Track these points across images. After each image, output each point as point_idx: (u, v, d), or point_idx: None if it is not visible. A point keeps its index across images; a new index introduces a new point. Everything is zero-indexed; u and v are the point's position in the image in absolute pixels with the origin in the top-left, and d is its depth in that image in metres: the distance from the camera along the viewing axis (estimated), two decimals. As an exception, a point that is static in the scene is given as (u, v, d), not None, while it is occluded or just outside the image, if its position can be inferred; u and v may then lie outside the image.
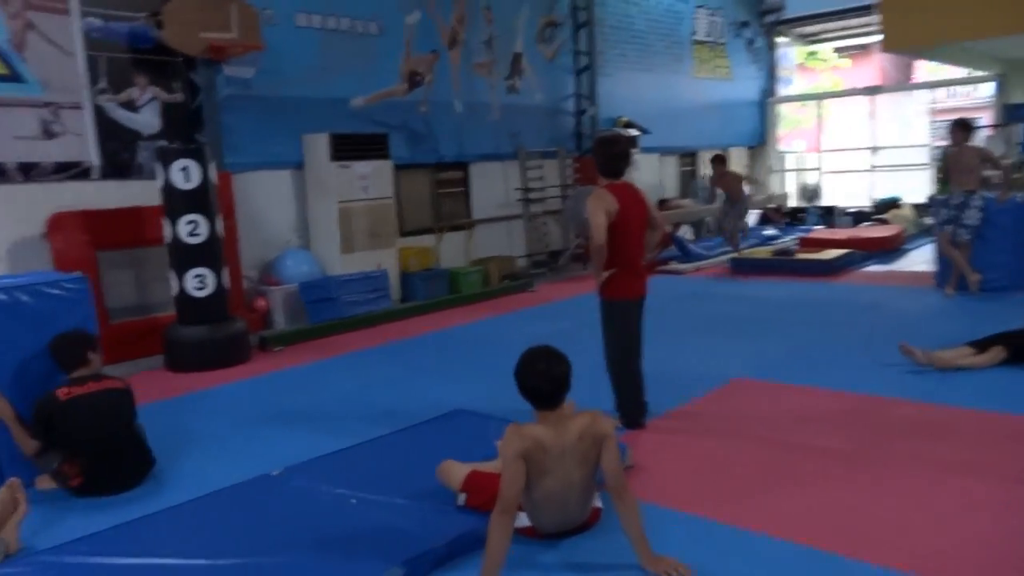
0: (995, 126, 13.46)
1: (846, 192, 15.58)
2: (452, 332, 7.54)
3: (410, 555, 2.92)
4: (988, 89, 14.67)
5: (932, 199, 9.37)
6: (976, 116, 12.50)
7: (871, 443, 4.06)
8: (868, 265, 10.03)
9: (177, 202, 6.33)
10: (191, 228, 6.34)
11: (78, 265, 6.12)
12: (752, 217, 14.85)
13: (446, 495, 3.36)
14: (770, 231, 13.21)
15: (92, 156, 6.86)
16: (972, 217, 7.49)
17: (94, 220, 6.55)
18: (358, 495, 3.48)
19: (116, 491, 3.88)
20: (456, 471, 3.36)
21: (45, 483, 3.93)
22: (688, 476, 3.78)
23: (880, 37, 9.83)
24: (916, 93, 18.50)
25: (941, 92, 18.42)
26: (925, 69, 19.38)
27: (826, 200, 15.43)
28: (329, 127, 8.19)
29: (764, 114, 16.03)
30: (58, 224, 6.49)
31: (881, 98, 16.11)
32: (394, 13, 9.18)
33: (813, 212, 14.53)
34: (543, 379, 2.93)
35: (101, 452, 3.84)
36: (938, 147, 13.84)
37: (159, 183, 6.37)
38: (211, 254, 6.46)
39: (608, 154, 4.33)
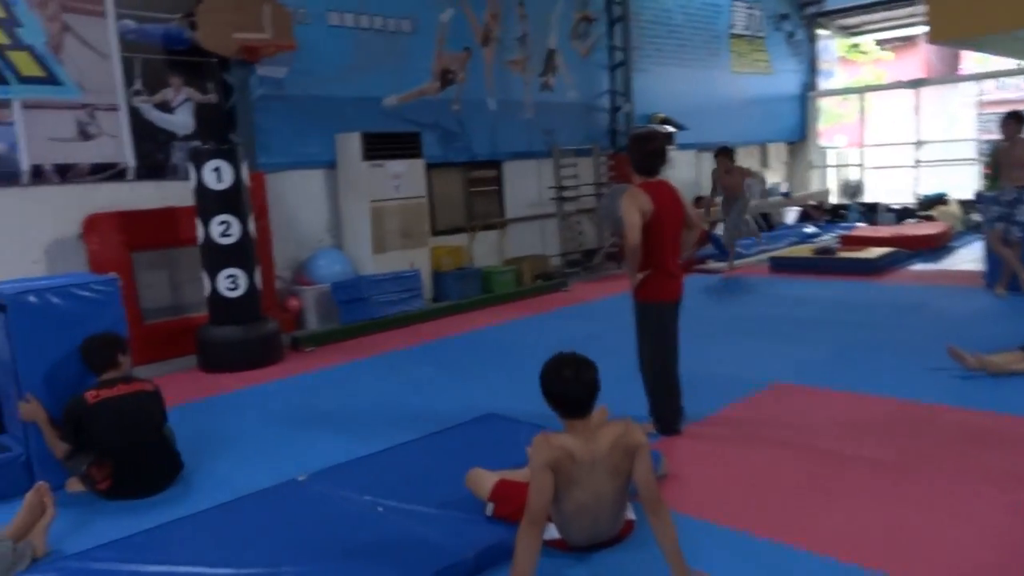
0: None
1: (889, 188, 15.16)
2: (485, 333, 7.45)
3: (437, 567, 2.84)
4: (1039, 80, 14.18)
5: (980, 195, 9.04)
6: (1027, 108, 12.04)
7: (919, 453, 3.88)
8: (913, 264, 9.72)
9: (209, 202, 6.34)
10: (223, 228, 6.34)
11: (113, 266, 6.17)
12: (791, 214, 14.59)
13: (475, 504, 3.28)
14: (810, 228, 12.91)
15: (128, 157, 6.91)
16: (1025, 214, 7.22)
17: (129, 221, 6.59)
18: (385, 503, 3.41)
19: (144, 495, 3.87)
20: (485, 479, 3.27)
21: (75, 486, 3.93)
22: (726, 486, 3.64)
23: (925, 28, 9.50)
24: (962, 85, 17.94)
25: (989, 84, 17.84)
26: (972, 60, 18.80)
27: (869, 197, 15.06)
28: (361, 126, 8.15)
29: (804, 109, 15.68)
30: (94, 225, 6.55)
31: (926, 91, 15.65)
32: (427, 11, 9.12)
33: (855, 209, 14.18)
34: (571, 386, 2.82)
35: (129, 455, 3.83)
36: (987, 141, 13.40)
37: (192, 184, 6.39)
38: (243, 254, 6.46)
39: (643, 151, 4.21)
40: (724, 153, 9.85)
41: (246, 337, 6.45)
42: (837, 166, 16.23)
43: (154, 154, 7.08)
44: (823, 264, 9.57)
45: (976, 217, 12.55)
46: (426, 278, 8.56)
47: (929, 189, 14.08)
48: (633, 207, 4.04)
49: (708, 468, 3.85)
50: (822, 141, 16.33)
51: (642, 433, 2.90)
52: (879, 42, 20.24)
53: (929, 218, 12.36)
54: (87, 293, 4.16)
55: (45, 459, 3.96)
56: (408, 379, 5.91)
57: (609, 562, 2.96)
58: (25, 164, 6.32)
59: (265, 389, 5.90)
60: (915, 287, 8.35)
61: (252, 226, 6.57)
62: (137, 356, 5.94)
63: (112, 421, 3.81)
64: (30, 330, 3.95)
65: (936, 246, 10.51)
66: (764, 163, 15.02)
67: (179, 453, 4.10)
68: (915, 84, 15.49)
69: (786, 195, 14.64)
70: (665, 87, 12.26)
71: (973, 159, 14.09)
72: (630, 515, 3.08)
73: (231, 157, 6.35)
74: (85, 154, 6.65)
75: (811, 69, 15.80)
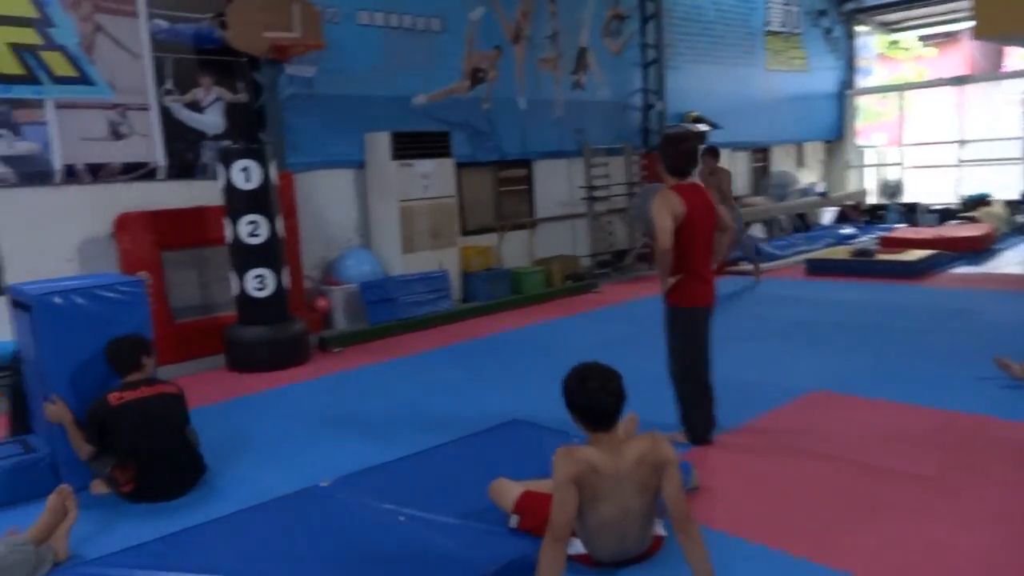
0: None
1: (930, 188, 14.78)
2: (514, 334, 7.36)
3: (458, 582, 2.76)
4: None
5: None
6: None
7: (963, 467, 3.71)
8: (956, 267, 9.43)
9: (238, 202, 6.33)
10: (251, 228, 6.33)
11: (144, 265, 6.20)
12: (828, 215, 14.27)
13: (498, 514, 3.19)
14: (848, 230, 12.62)
15: (158, 157, 6.93)
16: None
17: (159, 220, 6.62)
18: (407, 511, 3.34)
19: (167, 497, 3.85)
20: (509, 491, 3.18)
21: (99, 488, 3.91)
22: (759, 501, 3.50)
23: (968, 24, 9.22)
24: (1007, 83, 17.44)
25: (1036, 81, 17.29)
26: (1017, 57, 18.25)
27: (908, 197, 14.69)
28: (391, 126, 8.11)
29: (842, 107, 15.35)
30: (125, 224, 6.57)
31: (969, 88, 15.22)
32: (457, 9, 9.05)
33: (894, 209, 13.84)
34: (597, 398, 2.72)
35: (152, 458, 3.81)
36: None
37: (220, 183, 6.39)
38: (271, 254, 6.44)
39: (675, 152, 4.08)
40: (710, 153, 9.19)
41: (274, 337, 6.43)
42: (876, 165, 15.86)
43: (184, 153, 7.10)
44: (861, 267, 9.32)
45: (1021, 218, 12.19)
46: (455, 278, 8.49)
47: (972, 189, 13.69)
48: (664, 210, 3.92)
49: (741, 481, 3.71)
50: (860, 140, 15.97)
51: (670, 447, 2.78)
52: (921, 38, 19.75)
53: (972, 219, 12.00)
54: (112, 294, 4.14)
55: (70, 460, 3.95)
56: (435, 381, 5.85)
57: (636, 580, 2.86)
58: (58, 163, 6.37)
59: (292, 390, 5.87)
60: (958, 291, 8.08)
61: (280, 226, 6.55)
62: (167, 355, 5.97)
63: (135, 424, 3.79)
64: (55, 331, 3.94)
65: (980, 248, 10.19)
66: (800, 162, 14.74)
67: (202, 456, 4.07)
68: (958, 81, 15.07)
69: (823, 195, 14.34)
70: (698, 85, 12.06)
71: (1018, 158, 13.67)
72: (660, 531, 2.97)
73: (259, 157, 6.34)
74: (116, 154, 6.69)
75: (849, 66, 15.46)
